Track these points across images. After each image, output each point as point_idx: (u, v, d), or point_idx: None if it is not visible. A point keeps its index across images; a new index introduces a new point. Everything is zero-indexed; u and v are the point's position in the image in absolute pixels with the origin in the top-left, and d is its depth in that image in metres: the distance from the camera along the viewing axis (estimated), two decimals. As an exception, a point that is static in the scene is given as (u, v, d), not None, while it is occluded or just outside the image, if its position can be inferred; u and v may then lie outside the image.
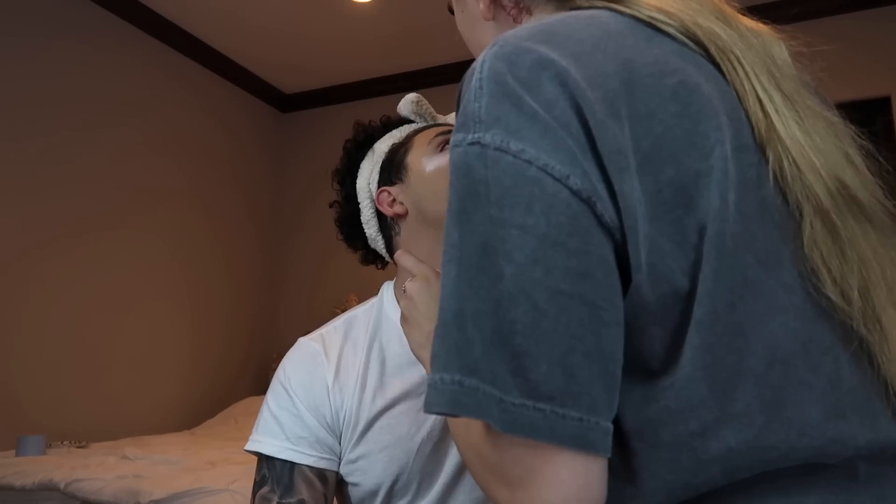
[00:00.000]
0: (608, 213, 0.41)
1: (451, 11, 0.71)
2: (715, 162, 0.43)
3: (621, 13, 0.50)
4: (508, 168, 0.41)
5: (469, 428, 0.45)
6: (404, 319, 0.72)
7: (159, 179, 3.14)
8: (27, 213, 2.54)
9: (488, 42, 0.61)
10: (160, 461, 2.06)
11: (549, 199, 0.41)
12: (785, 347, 0.41)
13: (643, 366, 0.43)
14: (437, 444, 0.82)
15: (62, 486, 1.84)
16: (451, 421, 0.50)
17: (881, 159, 0.50)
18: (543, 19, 0.50)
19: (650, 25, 0.49)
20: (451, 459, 0.82)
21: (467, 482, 0.82)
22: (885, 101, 2.79)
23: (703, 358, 0.41)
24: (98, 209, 2.82)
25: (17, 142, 2.52)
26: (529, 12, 0.60)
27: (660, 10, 0.50)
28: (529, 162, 0.41)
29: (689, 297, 0.42)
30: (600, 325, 0.40)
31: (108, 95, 2.91)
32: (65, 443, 2.40)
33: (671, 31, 0.49)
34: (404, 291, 0.74)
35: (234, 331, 3.55)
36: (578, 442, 0.39)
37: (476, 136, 0.43)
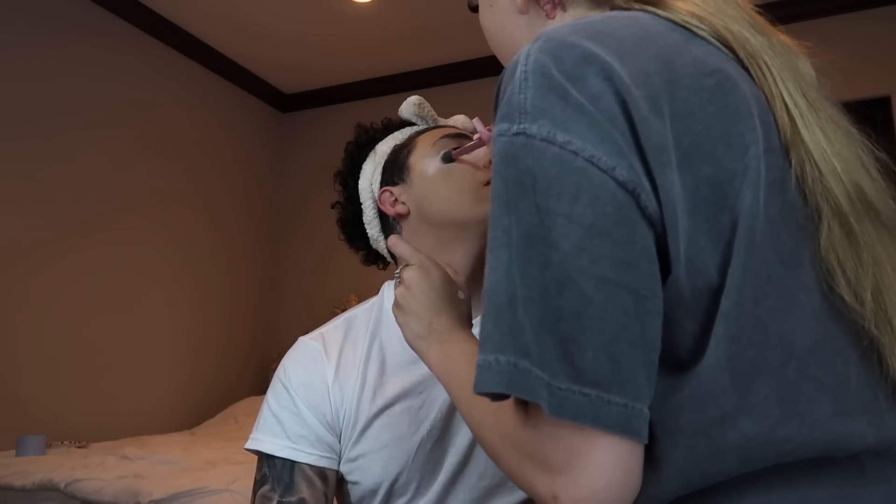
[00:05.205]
0: (651, 206, 0.42)
1: (472, 9, 0.70)
2: (749, 161, 0.45)
3: (658, 16, 0.52)
4: (555, 159, 0.42)
5: (500, 415, 0.46)
6: (398, 308, 0.71)
7: (159, 179, 3.14)
8: (28, 212, 2.54)
9: (518, 37, 0.62)
10: (160, 461, 2.06)
11: (595, 190, 0.42)
12: (800, 345, 0.43)
13: (673, 357, 0.44)
14: (437, 443, 0.82)
15: (62, 486, 1.84)
16: (476, 410, 0.51)
17: None
18: (582, 18, 0.51)
19: (686, 29, 0.51)
20: (451, 458, 0.82)
21: (467, 481, 0.83)
22: (885, 101, 2.79)
23: (727, 348, 0.42)
24: (98, 209, 2.82)
25: (18, 141, 2.52)
26: (564, 8, 0.61)
27: (693, 15, 0.52)
28: (576, 153, 0.42)
29: (719, 291, 0.43)
30: (644, 314, 0.41)
31: (108, 96, 2.91)
32: (65, 443, 2.40)
33: (704, 34, 0.51)
34: (398, 279, 0.73)
35: (234, 331, 3.55)
36: (623, 427, 0.39)
37: (521, 126, 0.44)
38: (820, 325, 0.44)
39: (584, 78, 0.44)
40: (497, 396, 0.43)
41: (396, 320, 0.71)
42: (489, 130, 0.78)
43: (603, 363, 0.40)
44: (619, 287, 0.40)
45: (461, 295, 0.72)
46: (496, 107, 0.49)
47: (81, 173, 2.76)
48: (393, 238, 0.78)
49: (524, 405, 0.44)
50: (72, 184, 2.71)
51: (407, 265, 0.74)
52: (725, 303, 0.42)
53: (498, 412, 0.46)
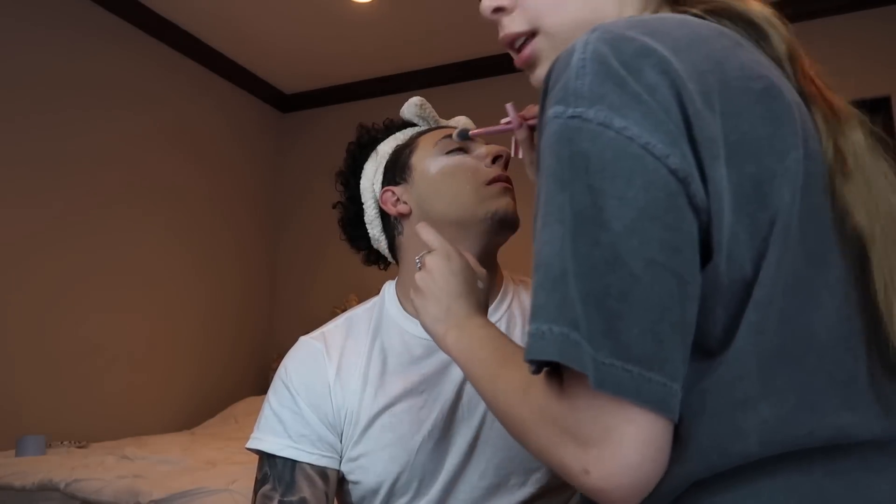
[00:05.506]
0: (699, 195, 0.45)
1: None
2: (789, 164, 0.47)
3: (707, 20, 0.55)
4: (611, 143, 0.44)
5: (532, 391, 0.47)
6: (417, 291, 0.71)
7: (159, 181, 3.14)
8: (27, 212, 2.54)
9: (595, 5, 0.60)
10: (160, 461, 2.06)
11: (648, 175, 0.43)
12: (818, 340, 0.46)
13: (703, 345, 0.45)
14: (438, 443, 0.83)
15: (62, 486, 1.84)
16: (502, 388, 0.52)
17: None
18: (635, 17, 0.53)
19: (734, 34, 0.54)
20: (452, 458, 0.83)
21: (468, 480, 0.83)
22: (885, 100, 2.79)
23: (756, 335, 0.44)
24: (98, 211, 2.82)
25: (16, 143, 2.52)
26: None
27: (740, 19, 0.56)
28: (631, 139, 0.44)
29: (750, 283, 0.45)
30: (685, 298, 0.43)
31: (109, 95, 2.91)
32: (65, 443, 2.40)
33: (751, 41, 0.54)
34: (418, 265, 0.74)
35: (234, 331, 3.55)
36: (661, 405, 0.41)
37: (577, 110, 0.46)
38: (838, 324, 0.47)
39: (641, 69, 0.46)
40: (538, 369, 0.45)
41: (414, 303, 0.71)
42: (521, 118, 0.78)
43: (647, 342, 0.41)
44: (666, 270, 0.42)
45: (480, 284, 0.73)
46: (546, 92, 0.50)
47: (80, 177, 2.75)
48: (421, 224, 0.78)
49: (559, 379, 0.45)
50: (70, 186, 2.71)
51: (429, 251, 0.74)
52: (758, 293, 0.44)
53: (529, 388, 0.48)
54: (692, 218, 0.44)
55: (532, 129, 0.78)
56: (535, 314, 0.44)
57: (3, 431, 2.34)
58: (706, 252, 0.45)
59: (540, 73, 0.61)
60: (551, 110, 0.47)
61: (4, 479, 1.92)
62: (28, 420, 2.43)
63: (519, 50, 0.63)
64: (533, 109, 0.77)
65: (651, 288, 0.42)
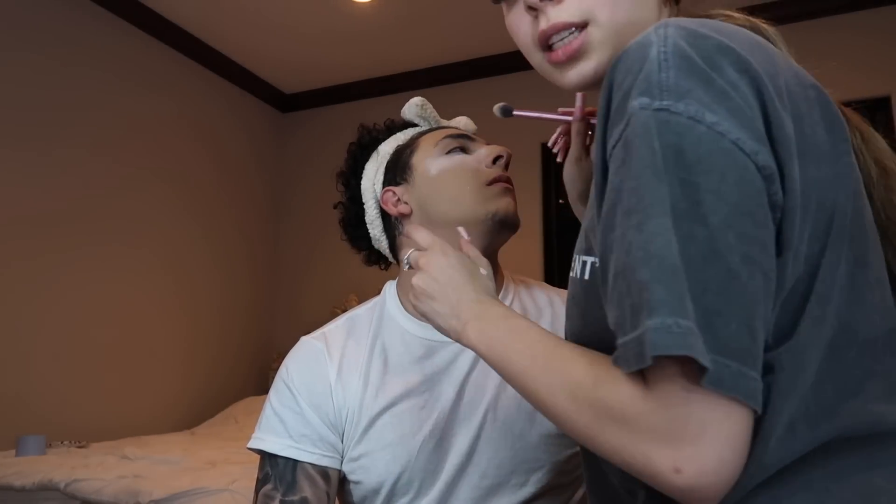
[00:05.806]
0: (778, 194, 0.46)
1: None
2: (842, 169, 0.49)
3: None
4: (703, 137, 0.44)
5: (602, 386, 0.45)
6: (420, 295, 0.68)
7: (160, 180, 3.14)
8: (26, 211, 2.54)
9: (642, 9, 0.61)
10: (160, 461, 2.07)
11: (740, 171, 0.44)
12: (862, 335, 0.48)
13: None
14: (439, 443, 0.83)
15: (62, 486, 1.84)
16: (560, 384, 0.49)
17: None
18: (697, 19, 0.53)
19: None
20: (453, 458, 0.83)
21: (469, 480, 0.83)
22: (885, 100, 2.79)
23: (817, 329, 0.46)
24: (96, 212, 2.82)
25: (16, 139, 2.52)
26: None
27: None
28: (723, 134, 0.44)
29: (804, 280, 0.47)
30: (768, 294, 0.44)
31: (109, 96, 2.91)
32: (65, 443, 2.40)
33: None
34: (406, 265, 0.72)
35: (234, 330, 3.55)
36: (756, 400, 0.41)
37: (665, 103, 0.45)
38: (879, 321, 0.49)
39: (723, 67, 0.46)
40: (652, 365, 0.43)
41: (419, 310, 0.68)
42: (586, 113, 0.76)
43: (744, 337, 0.41)
44: (756, 265, 0.42)
45: (483, 271, 0.70)
46: (611, 85, 0.49)
47: (77, 181, 2.75)
48: (413, 225, 0.76)
49: (641, 377, 0.43)
50: (68, 188, 2.71)
51: (418, 250, 0.72)
52: (819, 289, 0.46)
53: (598, 384, 0.46)
54: (772, 216, 0.45)
55: (590, 125, 0.77)
56: (656, 308, 0.41)
57: (3, 431, 2.34)
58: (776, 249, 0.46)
59: (585, 67, 0.60)
60: (636, 101, 0.46)
61: (4, 479, 1.92)
62: (28, 420, 2.43)
63: (552, 46, 0.61)
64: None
65: (747, 284, 0.42)
